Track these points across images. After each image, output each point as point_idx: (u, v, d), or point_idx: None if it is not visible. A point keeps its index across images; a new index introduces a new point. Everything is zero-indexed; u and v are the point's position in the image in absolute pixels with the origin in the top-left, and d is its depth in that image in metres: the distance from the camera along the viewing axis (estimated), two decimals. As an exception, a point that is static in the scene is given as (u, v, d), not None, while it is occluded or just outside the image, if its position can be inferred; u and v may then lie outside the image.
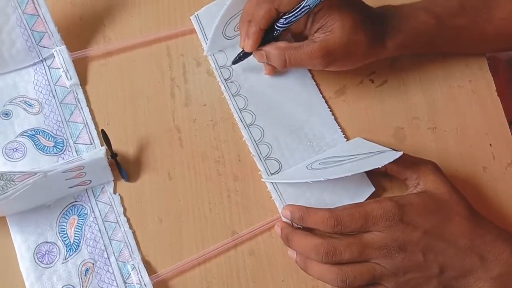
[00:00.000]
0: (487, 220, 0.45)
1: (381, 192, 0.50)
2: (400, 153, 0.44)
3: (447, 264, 0.42)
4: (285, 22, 0.46)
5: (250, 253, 0.47)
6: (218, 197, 0.49)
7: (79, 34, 0.54)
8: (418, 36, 0.50)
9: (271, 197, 0.48)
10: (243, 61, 0.51)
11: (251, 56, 0.50)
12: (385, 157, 0.44)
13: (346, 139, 0.51)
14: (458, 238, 0.43)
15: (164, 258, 0.46)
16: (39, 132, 0.49)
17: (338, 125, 0.52)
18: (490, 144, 0.52)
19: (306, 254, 0.44)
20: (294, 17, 0.46)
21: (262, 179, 0.49)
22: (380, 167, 0.43)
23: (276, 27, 0.47)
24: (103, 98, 0.51)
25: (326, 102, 0.52)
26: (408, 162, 0.47)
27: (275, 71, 0.53)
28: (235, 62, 0.51)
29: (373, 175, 0.49)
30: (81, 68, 0.52)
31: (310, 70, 0.54)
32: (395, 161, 0.46)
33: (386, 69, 0.55)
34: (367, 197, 0.48)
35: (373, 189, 0.48)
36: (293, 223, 0.46)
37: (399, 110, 0.53)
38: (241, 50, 0.49)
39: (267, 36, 0.48)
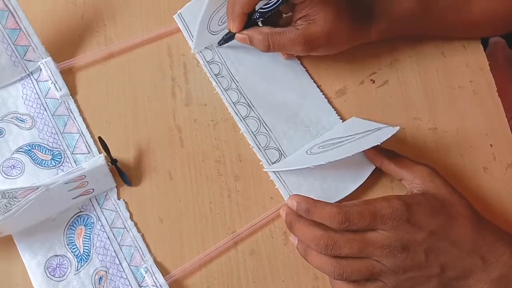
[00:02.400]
0: (488, 221, 0.45)
1: (381, 190, 0.50)
2: (397, 128, 0.44)
3: (448, 264, 0.42)
4: (262, 10, 0.48)
5: (250, 253, 0.47)
6: (219, 197, 0.49)
7: (80, 34, 0.53)
8: (402, 20, 0.51)
9: (271, 197, 0.49)
10: (230, 54, 0.51)
11: (243, 55, 0.52)
12: (383, 134, 0.44)
13: (341, 120, 0.52)
14: (461, 239, 0.42)
15: (164, 258, 0.46)
16: (35, 146, 0.48)
17: (333, 107, 0.52)
18: (491, 145, 0.52)
19: (307, 243, 0.43)
20: (270, 7, 0.47)
21: (264, 169, 0.49)
22: (380, 143, 0.43)
23: (255, 15, 0.49)
24: (103, 99, 0.51)
25: (318, 87, 0.53)
26: (404, 163, 0.47)
27: (291, 57, 0.54)
28: (220, 43, 0.53)
29: (374, 175, 0.49)
30: (78, 75, 0.52)
31: (300, 60, 0.54)
32: (391, 160, 0.47)
33: (387, 69, 0.55)
34: (368, 175, 0.49)
35: (373, 167, 0.49)
36: None
37: (399, 111, 0.53)
38: (227, 32, 0.51)
39: (250, 21, 0.49)
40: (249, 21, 0.49)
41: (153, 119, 0.51)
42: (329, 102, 0.53)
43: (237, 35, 0.50)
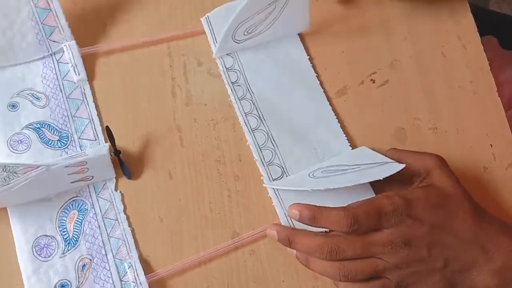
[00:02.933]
0: (490, 214, 0.45)
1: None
2: (402, 166, 0.44)
3: (450, 258, 0.42)
4: None
5: (250, 253, 0.47)
6: (219, 196, 0.49)
7: (81, 32, 0.53)
8: None
9: (271, 197, 0.48)
10: (251, 64, 0.52)
11: (264, 68, 0.53)
12: (387, 169, 0.44)
13: (351, 148, 0.51)
14: (462, 232, 0.43)
15: (164, 258, 0.46)
16: (45, 125, 0.49)
17: (344, 133, 0.51)
18: (491, 145, 0.52)
19: (310, 253, 0.44)
20: None
21: (263, 185, 0.49)
22: (381, 179, 0.42)
23: None
24: (106, 95, 0.51)
25: (334, 110, 0.52)
26: (414, 159, 0.47)
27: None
28: None
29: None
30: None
31: (318, 77, 0.54)
32: (397, 151, 0.48)
33: (387, 69, 0.55)
34: None
35: (374, 195, 0.48)
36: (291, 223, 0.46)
37: (400, 111, 0.53)
38: None
39: None
40: None
41: (153, 119, 0.51)
42: (329, 102, 0.52)
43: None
